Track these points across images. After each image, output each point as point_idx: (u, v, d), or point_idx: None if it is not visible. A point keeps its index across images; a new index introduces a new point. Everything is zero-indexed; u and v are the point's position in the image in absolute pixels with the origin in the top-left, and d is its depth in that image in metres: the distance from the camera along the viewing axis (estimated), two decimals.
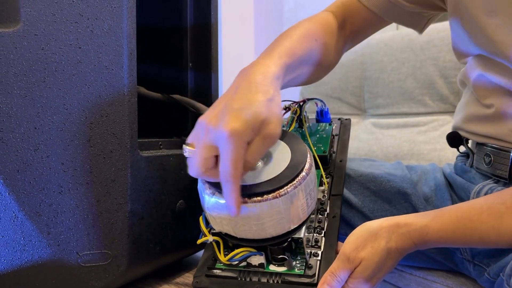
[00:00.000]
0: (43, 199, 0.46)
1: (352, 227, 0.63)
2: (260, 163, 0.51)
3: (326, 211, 0.57)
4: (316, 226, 0.55)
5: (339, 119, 0.69)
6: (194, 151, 0.46)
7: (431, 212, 0.51)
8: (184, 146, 0.47)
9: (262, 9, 2.29)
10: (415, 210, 0.69)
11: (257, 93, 0.46)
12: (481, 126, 0.62)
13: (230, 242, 0.52)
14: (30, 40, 0.45)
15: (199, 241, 0.53)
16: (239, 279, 0.52)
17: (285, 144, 0.53)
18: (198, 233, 0.64)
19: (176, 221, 0.59)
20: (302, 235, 0.51)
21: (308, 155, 0.51)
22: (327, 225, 0.55)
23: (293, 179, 0.48)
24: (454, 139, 0.70)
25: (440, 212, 0.50)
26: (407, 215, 0.51)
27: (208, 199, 0.49)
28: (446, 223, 0.49)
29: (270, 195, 0.47)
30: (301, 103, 0.65)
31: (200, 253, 0.70)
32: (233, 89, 0.47)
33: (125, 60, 0.50)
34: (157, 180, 0.55)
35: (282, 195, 0.47)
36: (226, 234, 0.51)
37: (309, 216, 0.52)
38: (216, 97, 0.68)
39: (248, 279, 0.52)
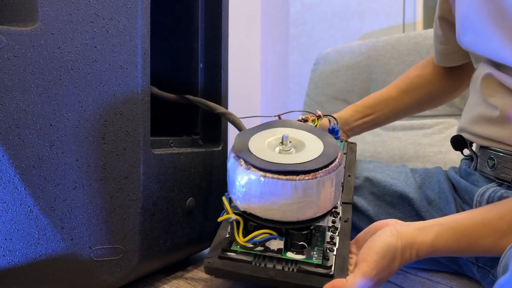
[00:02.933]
0: (57, 194, 0.47)
1: (358, 229, 0.65)
2: (293, 150, 0.52)
3: (339, 214, 0.59)
4: (330, 226, 0.56)
5: (346, 141, 0.75)
6: None
7: (434, 225, 0.52)
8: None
9: (269, 10, 2.30)
10: (418, 213, 0.70)
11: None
12: (486, 128, 0.63)
13: (253, 222, 0.51)
14: (47, 39, 0.46)
15: (220, 219, 0.52)
16: (254, 264, 0.51)
17: (317, 137, 0.55)
18: (207, 230, 0.66)
19: (185, 218, 0.60)
20: (325, 224, 0.52)
21: (340, 149, 0.53)
22: (340, 226, 0.57)
23: (327, 165, 0.49)
24: (458, 142, 0.71)
25: (443, 228, 0.52)
26: (414, 228, 0.52)
27: (242, 174, 0.49)
28: (450, 240, 0.51)
29: (306, 176, 0.48)
30: (317, 117, 0.68)
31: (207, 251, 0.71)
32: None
33: (139, 59, 0.51)
34: (168, 177, 0.56)
35: (317, 178, 0.48)
36: (250, 214, 0.50)
37: (332, 208, 0.53)
38: (226, 97, 0.69)
39: (263, 265, 0.51)
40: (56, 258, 0.48)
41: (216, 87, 0.68)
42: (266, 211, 0.49)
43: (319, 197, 0.49)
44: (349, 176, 0.67)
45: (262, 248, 0.52)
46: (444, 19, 0.78)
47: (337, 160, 0.51)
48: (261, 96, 2.36)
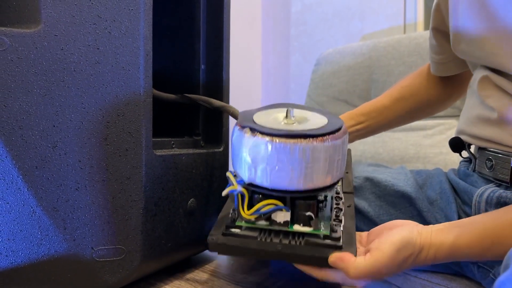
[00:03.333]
0: (60, 195, 0.48)
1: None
2: (297, 123, 0.51)
3: (342, 199, 0.58)
4: (335, 207, 0.56)
5: None
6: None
7: (455, 227, 0.51)
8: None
9: (270, 11, 2.30)
10: (419, 213, 0.70)
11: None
12: (483, 129, 0.63)
13: (259, 194, 0.50)
14: (50, 40, 0.46)
15: (224, 192, 0.51)
16: (260, 239, 0.49)
17: (319, 114, 0.54)
18: (208, 231, 0.66)
19: (187, 218, 0.61)
20: (331, 195, 0.52)
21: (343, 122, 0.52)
22: (344, 209, 0.56)
23: (334, 132, 0.49)
24: (457, 144, 0.71)
25: (464, 228, 0.51)
26: (434, 229, 0.51)
27: (248, 141, 0.48)
28: (473, 240, 0.49)
29: (314, 140, 0.47)
30: None
31: (209, 252, 0.72)
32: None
33: (141, 61, 0.51)
34: (170, 178, 0.57)
35: (324, 142, 0.47)
36: (256, 186, 0.49)
37: (338, 181, 0.52)
38: (227, 98, 0.70)
39: (269, 240, 0.49)
40: (58, 259, 0.48)
41: (217, 88, 0.69)
42: (274, 178, 0.48)
43: (326, 164, 0.48)
44: (347, 173, 0.68)
45: (267, 223, 0.51)
46: (437, 30, 0.79)
47: (342, 129, 0.50)
48: (262, 97, 2.37)
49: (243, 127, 0.49)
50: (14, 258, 0.46)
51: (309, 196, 0.50)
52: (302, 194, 0.49)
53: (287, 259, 0.48)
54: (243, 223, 0.51)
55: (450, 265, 0.69)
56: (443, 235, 0.50)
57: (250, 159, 0.48)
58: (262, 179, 0.48)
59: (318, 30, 2.07)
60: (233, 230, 0.50)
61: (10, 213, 0.46)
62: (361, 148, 1.39)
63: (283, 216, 0.50)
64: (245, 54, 2.20)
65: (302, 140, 0.47)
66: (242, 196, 0.50)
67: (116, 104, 0.50)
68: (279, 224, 0.50)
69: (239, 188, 0.50)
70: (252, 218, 0.51)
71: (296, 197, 0.50)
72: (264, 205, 0.50)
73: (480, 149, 0.65)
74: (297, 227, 0.50)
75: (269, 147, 0.47)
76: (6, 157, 0.45)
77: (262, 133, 0.47)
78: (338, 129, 0.49)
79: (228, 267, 0.66)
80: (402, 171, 0.77)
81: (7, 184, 0.45)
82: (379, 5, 1.82)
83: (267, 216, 0.51)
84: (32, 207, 0.46)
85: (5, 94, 0.44)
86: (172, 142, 0.61)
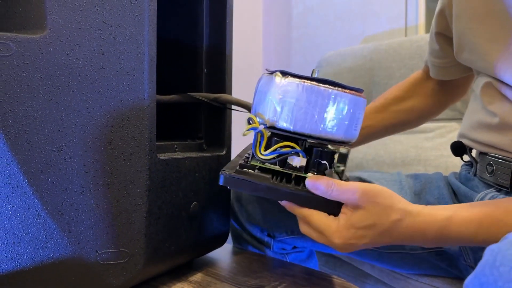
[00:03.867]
0: (65, 198, 0.48)
1: None
2: None
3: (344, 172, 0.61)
4: (340, 172, 0.58)
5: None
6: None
7: (450, 206, 0.52)
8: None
9: (271, 12, 2.31)
10: None
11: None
12: (485, 135, 0.63)
13: (279, 135, 0.52)
14: (55, 46, 0.47)
15: (245, 130, 0.51)
16: (273, 180, 0.51)
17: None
18: (211, 234, 0.66)
19: (189, 222, 0.61)
20: (348, 151, 0.54)
21: None
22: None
23: (359, 91, 0.51)
24: (458, 148, 0.72)
25: (461, 207, 0.51)
26: (426, 206, 0.52)
27: (279, 83, 0.49)
28: (471, 216, 0.49)
29: (343, 90, 0.50)
30: None
31: (212, 253, 0.72)
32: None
33: (145, 66, 0.51)
34: (173, 182, 0.57)
35: (353, 95, 0.50)
36: (278, 129, 0.51)
37: (351, 144, 0.54)
38: None
39: (281, 183, 0.51)
40: (63, 262, 0.49)
41: (220, 91, 0.69)
42: (298, 121, 0.49)
43: (348, 116, 0.50)
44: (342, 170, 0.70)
45: (280, 169, 0.52)
46: (441, 35, 0.79)
47: (363, 95, 0.52)
48: None
49: (272, 72, 0.51)
50: (19, 261, 0.47)
51: (326, 146, 0.52)
52: (323, 141, 0.51)
53: (297, 200, 0.50)
54: (257, 163, 0.52)
55: (450, 269, 0.70)
56: (438, 209, 0.51)
57: (278, 100, 0.50)
58: (286, 121, 0.50)
59: (320, 32, 2.07)
60: (247, 170, 0.52)
61: (16, 217, 0.46)
62: (363, 150, 1.39)
63: (299, 160, 0.51)
64: (247, 57, 2.20)
65: (333, 87, 0.49)
66: (261, 136, 0.51)
67: (121, 108, 0.50)
68: (294, 168, 0.51)
69: (261, 126, 0.51)
70: (268, 158, 0.52)
71: (314, 145, 0.52)
72: (283, 146, 0.51)
73: (481, 153, 0.65)
74: (311, 175, 0.52)
75: (300, 88, 0.49)
76: (12, 161, 0.45)
77: (294, 76, 0.49)
78: (362, 91, 0.52)
79: (230, 270, 0.67)
80: (397, 179, 0.77)
81: (12, 188, 0.46)
82: (380, 7, 1.83)
83: (282, 162, 0.52)
84: (37, 211, 0.47)
85: (11, 98, 0.45)
86: (175, 145, 0.61)
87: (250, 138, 0.54)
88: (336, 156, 0.58)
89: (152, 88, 0.52)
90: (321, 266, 1.07)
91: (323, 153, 0.52)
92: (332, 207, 0.50)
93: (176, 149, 0.62)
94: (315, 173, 0.52)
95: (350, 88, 0.50)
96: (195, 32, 0.69)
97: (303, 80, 0.49)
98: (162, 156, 0.56)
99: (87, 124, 0.49)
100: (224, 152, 0.68)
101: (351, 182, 0.50)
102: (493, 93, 0.62)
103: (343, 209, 0.51)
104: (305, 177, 0.51)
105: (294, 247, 0.82)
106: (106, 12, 0.49)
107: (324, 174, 0.52)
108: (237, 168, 0.52)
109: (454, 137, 0.75)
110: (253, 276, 0.63)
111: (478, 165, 0.67)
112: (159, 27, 0.54)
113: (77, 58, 0.48)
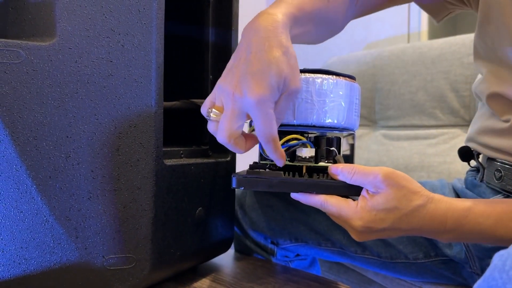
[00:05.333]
0: (72, 204, 0.49)
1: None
2: None
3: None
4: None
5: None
6: (221, 115, 0.48)
7: (469, 199, 0.51)
8: (210, 109, 0.49)
9: None
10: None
11: (272, 49, 0.47)
12: (494, 139, 0.63)
13: (284, 131, 0.53)
14: (64, 53, 0.47)
15: (249, 129, 0.52)
16: (285, 175, 0.52)
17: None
18: (216, 239, 0.67)
19: (195, 227, 0.61)
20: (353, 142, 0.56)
21: None
22: None
23: (349, 77, 0.54)
24: (466, 153, 0.71)
25: (480, 201, 0.51)
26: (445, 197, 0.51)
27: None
28: (490, 209, 0.49)
29: (333, 76, 0.52)
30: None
31: (217, 259, 0.72)
32: (245, 47, 0.49)
33: (153, 74, 0.52)
34: (179, 188, 0.58)
35: (342, 80, 0.53)
36: (283, 125, 0.52)
37: (356, 128, 0.56)
38: None
39: (293, 177, 0.52)
40: (70, 267, 0.49)
41: None
42: (300, 112, 0.52)
43: (347, 102, 0.53)
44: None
45: (290, 163, 0.53)
46: None
47: (356, 81, 0.56)
48: None
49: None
50: (26, 266, 0.47)
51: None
52: (325, 129, 0.53)
53: (314, 189, 0.50)
54: (267, 161, 0.54)
55: (454, 277, 0.70)
56: (457, 200, 0.50)
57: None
58: (288, 116, 0.52)
59: None
60: (257, 169, 0.53)
61: (24, 222, 0.47)
62: (365, 156, 1.39)
63: (308, 151, 0.53)
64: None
65: (327, 75, 0.52)
66: None
67: (128, 115, 0.51)
68: (305, 159, 0.52)
69: None
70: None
71: (318, 135, 0.54)
72: (290, 138, 0.52)
73: (489, 159, 0.65)
74: (322, 163, 0.54)
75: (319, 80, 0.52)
76: (20, 167, 0.46)
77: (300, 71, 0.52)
78: (355, 78, 0.55)
79: (234, 276, 0.67)
80: None
81: (21, 193, 0.46)
82: (383, 14, 1.83)
83: (291, 156, 0.53)
84: (45, 216, 0.47)
85: (20, 105, 0.45)
86: (181, 151, 0.62)
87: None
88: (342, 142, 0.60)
89: (159, 96, 0.53)
90: (325, 273, 1.07)
91: (331, 140, 0.54)
92: (352, 192, 0.51)
93: (182, 155, 0.62)
94: (325, 161, 0.54)
95: (344, 75, 0.53)
96: (201, 38, 0.69)
97: (304, 74, 0.52)
98: (168, 162, 0.56)
99: (95, 131, 0.49)
100: (229, 158, 0.69)
101: (371, 167, 0.50)
102: (503, 102, 0.60)
103: (362, 193, 0.50)
104: (317, 168, 0.53)
105: (297, 255, 0.82)
106: (114, 20, 0.50)
107: (335, 161, 0.53)
108: (248, 169, 0.53)
109: (457, 144, 0.75)
110: (257, 282, 0.63)
111: (485, 171, 0.66)
112: (165, 33, 0.54)
113: (85, 66, 0.48)
